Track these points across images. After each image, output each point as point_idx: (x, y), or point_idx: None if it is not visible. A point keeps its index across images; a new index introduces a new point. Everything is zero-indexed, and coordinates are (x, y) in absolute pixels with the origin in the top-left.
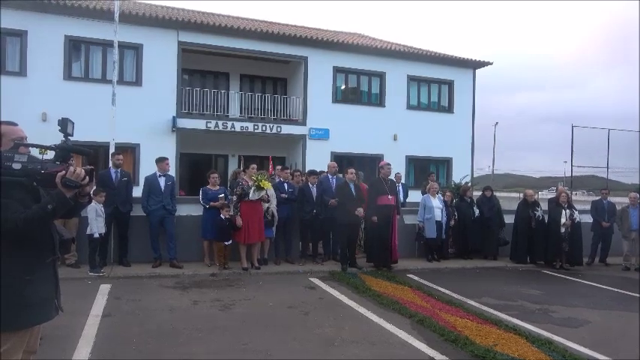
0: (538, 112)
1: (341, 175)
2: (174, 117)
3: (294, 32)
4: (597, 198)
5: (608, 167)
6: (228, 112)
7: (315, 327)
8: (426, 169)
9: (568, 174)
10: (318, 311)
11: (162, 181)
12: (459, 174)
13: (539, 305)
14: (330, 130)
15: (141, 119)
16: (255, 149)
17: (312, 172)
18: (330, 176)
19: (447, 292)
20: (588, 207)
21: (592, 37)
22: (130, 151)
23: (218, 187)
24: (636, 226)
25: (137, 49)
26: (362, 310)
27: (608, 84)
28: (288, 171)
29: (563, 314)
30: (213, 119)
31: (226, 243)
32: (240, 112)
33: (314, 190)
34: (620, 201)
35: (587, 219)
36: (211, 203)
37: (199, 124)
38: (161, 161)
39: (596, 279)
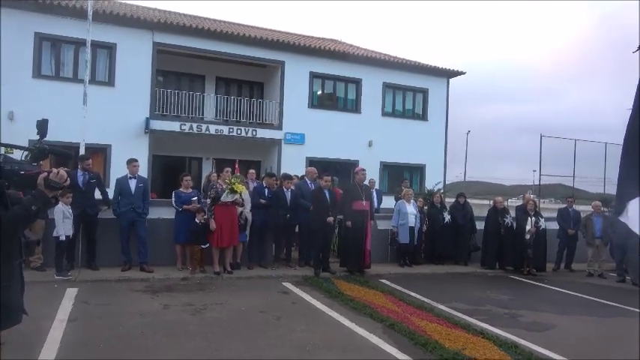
0: (510, 122)
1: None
2: (147, 118)
3: (271, 36)
4: (563, 206)
5: (574, 176)
6: (203, 115)
7: (287, 332)
8: (400, 176)
9: (537, 182)
10: (291, 316)
11: (132, 183)
12: (432, 181)
13: (507, 310)
14: (306, 135)
15: (113, 120)
16: (230, 153)
17: (287, 177)
18: (308, 181)
19: (419, 296)
20: (555, 215)
21: (566, 52)
22: (100, 152)
23: (191, 190)
24: (600, 233)
25: (110, 48)
26: (334, 314)
27: (580, 97)
28: (274, 178)
29: (530, 319)
30: (188, 122)
31: (202, 246)
32: (216, 115)
33: (288, 195)
34: (585, 209)
35: (554, 226)
36: (184, 206)
37: (173, 126)
38: (129, 163)
39: (561, 285)
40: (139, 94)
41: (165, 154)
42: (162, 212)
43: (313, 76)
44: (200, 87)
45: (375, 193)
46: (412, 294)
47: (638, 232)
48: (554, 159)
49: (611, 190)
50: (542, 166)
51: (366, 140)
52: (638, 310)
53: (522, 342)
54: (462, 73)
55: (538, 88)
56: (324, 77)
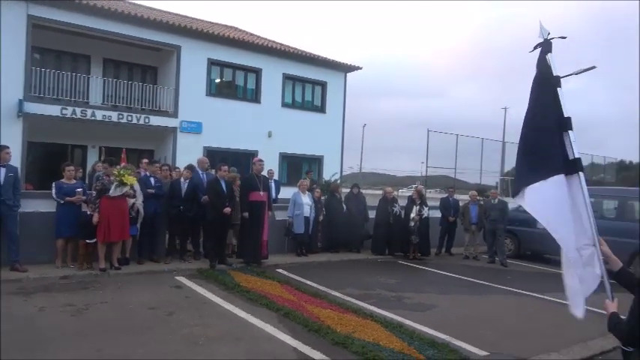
0: (403, 117)
1: (213, 172)
2: (20, 100)
3: (166, 19)
4: (445, 195)
5: (456, 168)
6: (88, 99)
7: (179, 327)
8: (299, 167)
9: (424, 174)
10: (184, 311)
11: (1, 173)
12: (330, 172)
13: (395, 293)
14: (203, 124)
15: None
16: (119, 141)
17: (190, 167)
18: (200, 172)
19: (314, 284)
20: (438, 203)
21: (456, 51)
22: None
23: (75, 181)
24: (475, 220)
25: None
26: (229, 306)
27: (464, 95)
28: (157, 165)
29: (415, 300)
30: (71, 105)
31: (88, 241)
32: (103, 100)
33: (185, 186)
34: (464, 198)
35: (437, 214)
36: (67, 198)
37: (53, 110)
38: None
39: (442, 267)
40: (10, 73)
41: (44, 140)
42: (38, 205)
43: (211, 63)
44: (85, 68)
45: (273, 184)
46: (308, 282)
47: (532, 213)
48: (440, 152)
49: (487, 180)
50: (428, 159)
51: (265, 131)
52: (505, 288)
53: (407, 322)
54: (358, 68)
55: (428, 85)
56: (222, 65)
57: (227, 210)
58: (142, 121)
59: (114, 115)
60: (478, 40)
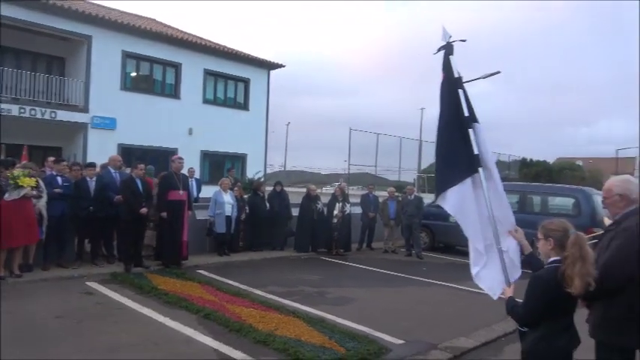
0: (326, 115)
1: (128, 170)
2: None
3: (76, 6)
4: (365, 192)
5: (376, 166)
6: None
7: (91, 336)
8: (222, 165)
9: (347, 171)
10: (95, 318)
11: None
12: (253, 170)
13: (317, 289)
14: (118, 120)
15: None
16: (21, 137)
17: (91, 165)
18: (112, 170)
19: (236, 284)
20: (359, 200)
21: (373, 53)
22: None
23: None
24: (393, 215)
25: None
26: (145, 311)
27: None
28: (65, 163)
29: (336, 294)
30: None
31: None
32: (2, 91)
33: (92, 185)
34: (384, 195)
35: (359, 210)
36: None
37: None
38: None
39: (363, 262)
40: None
41: None
42: None
43: (126, 55)
44: None
45: (194, 183)
46: (230, 282)
47: (453, 215)
48: (361, 150)
49: (405, 177)
50: (351, 157)
51: (185, 128)
52: (420, 279)
53: (329, 316)
54: (282, 65)
55: (349, 84)
56: (138, 58)
57: (144, 210)
58: (47, 116)
59: (14, 109)
60: (397, 41)
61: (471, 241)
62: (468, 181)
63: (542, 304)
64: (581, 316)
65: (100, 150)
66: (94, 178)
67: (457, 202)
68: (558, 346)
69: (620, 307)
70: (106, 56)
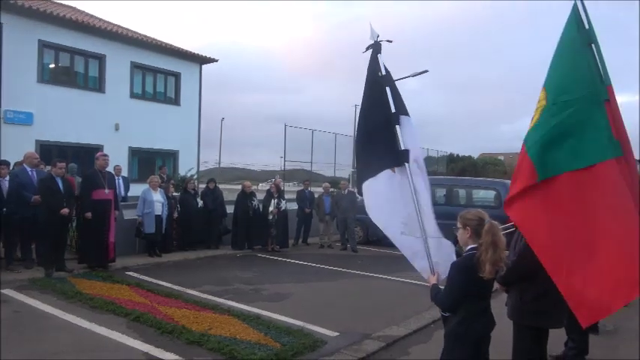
0: (261, 111)
1: (47, 169)
2: None
3: None
4: (301, 188)
5: (312, 162)
6: None
7: (8, 348)
8: (152, 162)
9: (283, 167)
10: (12, 329)
11: None
12: (186, 167)
13: (253, 286)
14: (35, 115)
15: None
16: None
17: (4, 163)
18: (28, 168)
19: (168, 285)
20: (295, 196)
21: (308, 51)
22: None
23: None
24: (328, 210)
25: None
26: (69, 317)
27: (320, 91)
28: None
29: (272, 291)
30: None
31: None
32: None
33: (5, 185)
34: (320, 190)
35: (294, 206)
36: None
37: None
38: None
39: (299, 257)
40: None
41: None
42: None
43: (43, 45)
44: None
45: (121, 181)
46: (162, 283)
47: (366, 208)
48: (297, 146)
49: (340, 173)
50: (286, 153)
51: (111, 123)
52: (355, 272)
53: (264, 313)
54: (214, 60)
55: (282, 80)
56: (57, 48)
57: (65, 210)
58: None
59: None
60: (331, 40)
61: (383, 229)
62: (384, 174)
63: (462, 290)
64: (500, 301)
65: (16, 147)
66: (7, 178)
67: (371, 195)
68: (476, 328)
69: (535, 291)
70: (19, 45)
